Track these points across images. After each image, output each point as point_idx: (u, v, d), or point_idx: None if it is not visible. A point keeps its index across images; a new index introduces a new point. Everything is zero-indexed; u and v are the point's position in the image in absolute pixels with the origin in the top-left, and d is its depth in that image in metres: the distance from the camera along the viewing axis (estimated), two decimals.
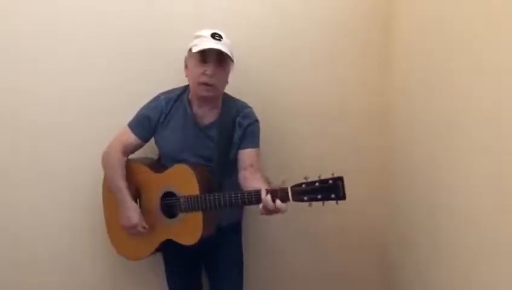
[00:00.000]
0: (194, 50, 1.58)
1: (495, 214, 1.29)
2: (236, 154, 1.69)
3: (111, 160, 1.69)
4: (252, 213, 1.93)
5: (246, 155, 1.68)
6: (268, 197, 1.45)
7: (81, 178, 1.92)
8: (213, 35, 1.60)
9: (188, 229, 1.62)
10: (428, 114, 1.68)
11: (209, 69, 1.59)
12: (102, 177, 1.77)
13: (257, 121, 1.72)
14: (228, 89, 1.75)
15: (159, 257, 1.86)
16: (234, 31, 1.73)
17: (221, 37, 1.61)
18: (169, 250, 1.74)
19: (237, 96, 1.76)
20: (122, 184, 1.66)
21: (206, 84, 1.60)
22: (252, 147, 1.69)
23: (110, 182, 1.70)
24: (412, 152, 1.85)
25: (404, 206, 1.94)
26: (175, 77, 1.78)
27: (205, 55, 1.59)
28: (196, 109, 1.69)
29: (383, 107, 1.99)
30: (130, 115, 1.73)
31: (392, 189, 2.03)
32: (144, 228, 1.65)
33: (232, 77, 1.70)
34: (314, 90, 1.97)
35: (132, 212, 1.64)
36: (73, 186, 1.93)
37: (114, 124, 1.78)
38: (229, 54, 1.59)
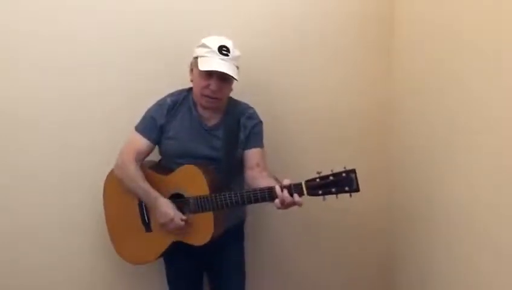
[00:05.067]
0: (201, 68, 1.56)
1: (495, 214, 1.32)
2: (242, 154, 1.70)
3: (129, 174, 1.65)
4: (252, 212, 1.94)
5: (252, 155, 1.69)
6: (285, 192, 1.47)
7: (81, 178, 1.90)
8: (220, 49, 1.58)
9: (199, 230, 1.61)
10: (429, 114, 1.71)
11: (213, 84, 1.59)
12: (103, 177, 1.75)
13: (261, 122, 1.74)
14: (231, 92, 1.75)
15: (160, 259, 1.85)
16: (235, 32, 1.75)
17: (229, 51, 1.59)
18: (171, 252, 1.73)
19: (240, 99, 1.77)
20: (147, 186, 1.63)
21: (209, 96, 1.62)
22: (258, 147, 1.71)
23: (134, 190, 1.65)
24: (413, 152, 1.89)
25: (405, 206, 1.98)
26: (178, 78, 1.77)
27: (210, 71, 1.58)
28: (201, 110, 1.70)
29: (386, 108, 2.04)
30: (132, 116, 1.72)
31: (394, 189, 2.07)
32: (182, 220, 1.61)
33: None
34: (316, 92, 2.01)
35: (166, 207, 1.61)
36: (74, 186, 1.91)
37: (116, 125, 1.79)
38: (234, 76, 1.59)
